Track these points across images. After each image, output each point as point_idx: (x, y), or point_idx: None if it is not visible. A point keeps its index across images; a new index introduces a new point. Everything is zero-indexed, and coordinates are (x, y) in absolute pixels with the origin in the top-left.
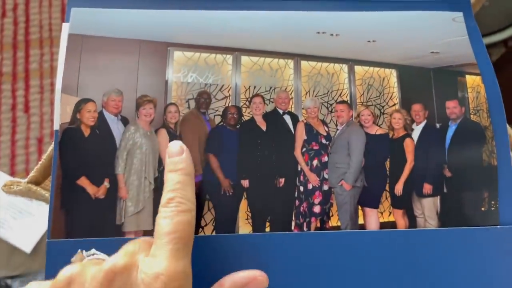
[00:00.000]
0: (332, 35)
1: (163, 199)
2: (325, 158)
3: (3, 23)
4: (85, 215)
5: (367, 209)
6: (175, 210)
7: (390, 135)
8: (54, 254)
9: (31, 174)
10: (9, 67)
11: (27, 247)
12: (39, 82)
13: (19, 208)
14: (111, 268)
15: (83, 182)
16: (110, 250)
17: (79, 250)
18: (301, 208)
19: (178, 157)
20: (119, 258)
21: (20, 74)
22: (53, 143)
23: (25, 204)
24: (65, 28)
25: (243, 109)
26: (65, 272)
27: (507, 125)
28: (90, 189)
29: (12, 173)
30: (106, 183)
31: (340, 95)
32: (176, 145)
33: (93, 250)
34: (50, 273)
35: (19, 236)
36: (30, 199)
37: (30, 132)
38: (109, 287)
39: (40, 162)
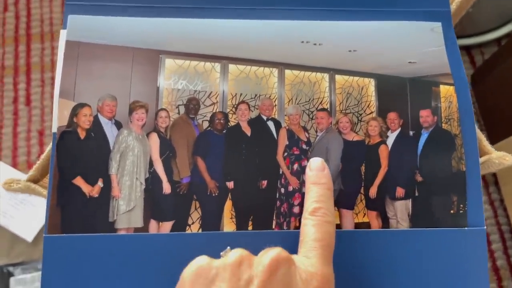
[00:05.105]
0: (315, 44)
1: (309, 208)
2: (305, 163)
3: (4, 17)
4: (80, 212)
5: (343, 210)
6: (322, 220)
7: (366, 142)
8: (51, 248)
9: (30, 173)
10: (10, 61)
11: (29, 236)
12: (40, 75)
13: (21, 199)
14: (276, 258)
15: (79, 181)
16: (103, 245)
17: (228, 248)
18: (282, 209)
19: (321, 172)
20: (281, 250)
21: (22, 67)
22: (51, 144)
23: (26, 195)
24: (63, 35)
25: (230, 115)
26: (236, 253)
27: (478, 131)
28: (85, 188)
29: (14, 165)
30: (100, 183)
31: (320, 103)
32: (318, 161)
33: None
34: (48, 265)
35: (21, 225)
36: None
37: (32, 124)
38: (272, 274)
39: (38, 162)
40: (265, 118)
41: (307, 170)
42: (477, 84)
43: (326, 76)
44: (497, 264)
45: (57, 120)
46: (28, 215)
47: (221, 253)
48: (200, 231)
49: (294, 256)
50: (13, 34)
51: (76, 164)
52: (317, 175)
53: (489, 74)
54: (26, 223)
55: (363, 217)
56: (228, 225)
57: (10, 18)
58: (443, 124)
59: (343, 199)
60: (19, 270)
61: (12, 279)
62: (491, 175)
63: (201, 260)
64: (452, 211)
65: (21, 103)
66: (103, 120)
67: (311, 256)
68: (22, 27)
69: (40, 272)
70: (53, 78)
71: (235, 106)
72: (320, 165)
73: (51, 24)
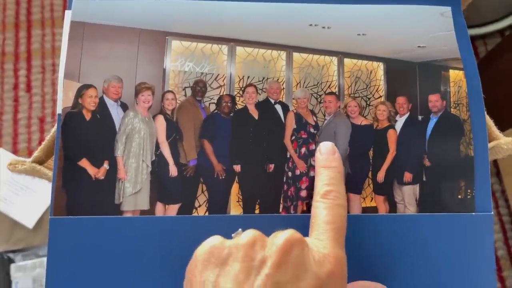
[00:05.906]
0: (324, 27)
1: (320, 191)
2: (313, 146)
3: (5, 3)
4: (86, 194)
5: (351, 194)
6: (333, 203)
7: (375, 126)
8: (56, 230)
9: (35, 154)
10: (11, 47)
11: (30, 222)
12: (40, 62)
13: (21, 185)
14: (289, 239)
15: (84, 163)
16: (109, 227)
17: (240, 229)
18: (289, 192)
19: (331, 156)
20: (294, 232)
21: (22, 54)
22: (56, 125)
23: (27, 181)
24: (68, 15)
25: (237, 98)
26: (249, 234)
27: (487, 117)
28: (91, 170)
29: (15, 152)
30: (106, 165)
31: (329, 86)
32: (329, 145)
33: None
34: (54, 248)
35: (21, 212)
36: (33, 177)
37: (32, 111)
38: (285, 255)
39: (43, 143)
40: (272, 101)
41: (317, 153)
42: (481, 74)
43: (334, 59)
44: (497, 254)
45: (62, 101)
46: (29, 201)
47: (233, 235)
48: (207, 214)
49: (306, 238)
50: (14, 20)
51: (81, 145)
52: (328, 159)
53: (493, 64)
54: (27, 209)
55: (371, 201)
56: (235, 208)
57: (10, 4)
58: (452, 109)
59: (350, 184)
60: (20, 257)
61: (12, 266)
62: (493, 166)
63: (214, 240)
64: (460, 196)
65: (22, 90)
66: (109, 102)
67: (323, 238)
68: (23, 13)
69: (41, 259)
70: (54, 65)
71: (243, 89)
72: (330, 148)
73: (51, 10)
